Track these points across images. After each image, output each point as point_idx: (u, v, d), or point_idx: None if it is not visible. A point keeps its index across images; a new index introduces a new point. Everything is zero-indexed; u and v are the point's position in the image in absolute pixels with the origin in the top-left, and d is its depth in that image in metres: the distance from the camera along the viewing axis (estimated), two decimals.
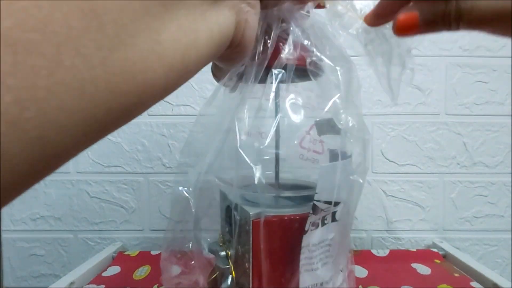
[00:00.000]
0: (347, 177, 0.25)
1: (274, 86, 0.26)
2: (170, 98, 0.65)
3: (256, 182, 0.24)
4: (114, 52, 0.12)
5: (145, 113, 0.65)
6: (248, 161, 0.23)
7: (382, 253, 0.58)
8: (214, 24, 0.18)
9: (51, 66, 0.10)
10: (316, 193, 0.24)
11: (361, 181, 0.26)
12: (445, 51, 0.64)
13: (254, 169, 0.23)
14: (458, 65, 0.65)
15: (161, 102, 0.65)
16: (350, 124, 0.25)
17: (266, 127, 0.26)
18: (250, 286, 0.27)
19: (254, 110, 0.26)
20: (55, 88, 0.11)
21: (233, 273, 0.29)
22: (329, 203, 0.25)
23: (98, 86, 0.12)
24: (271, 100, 0.26)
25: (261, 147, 0.24)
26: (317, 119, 0.26)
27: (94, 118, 0.12)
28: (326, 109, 0.24)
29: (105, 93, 0.12)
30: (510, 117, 0.64)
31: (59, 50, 0.11)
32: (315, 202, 0.24)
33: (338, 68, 0.25)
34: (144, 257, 0.57)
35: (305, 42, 0.25)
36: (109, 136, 0.65)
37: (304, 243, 0.25)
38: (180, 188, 0.28)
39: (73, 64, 0.11)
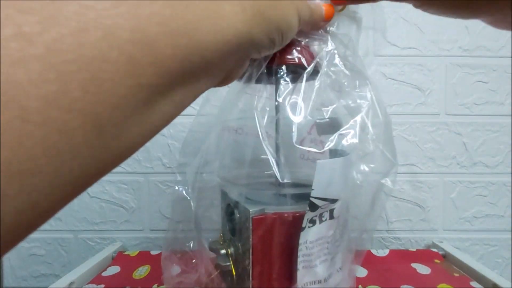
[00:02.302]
0: (346, 174, 0.25)
1: (277, 85, 0.26)
2: None
3: (279, 178, 0.24)
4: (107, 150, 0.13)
5: None
6: (272, 153, 0.23)
7: (382, 253, 0.58)
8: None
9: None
10: (313, 189, 0.24)
11: (387, 183, 0.27)
12: (445, 51, 0.64)
13: (273, 163, 0.23)
14: (458, 65, 0.65)
15: None
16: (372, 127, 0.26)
17: (270, 127, 0.26)
18: (250, 284, 0.27)
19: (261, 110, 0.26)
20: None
21: (233, 271, 0.29)
22: (325, 200, 0.25)
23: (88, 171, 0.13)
24: (273, 100, 0.27)
25: (277, 142, 0.24)
26: (318, 119, 0.26)
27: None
28: (358, 119, 0.25)
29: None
30: (510, 117, 0.64)
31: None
32: (311, 199, 0.24)
33: (368, 81, 0.26)
34: (144, 257, 0.57)
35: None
36: None
37: (301, 240, 0.25)
38: (180, 189, 0.28)
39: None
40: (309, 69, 0.26)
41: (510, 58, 0.63)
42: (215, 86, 0.20)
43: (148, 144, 0.65)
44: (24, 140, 0.10)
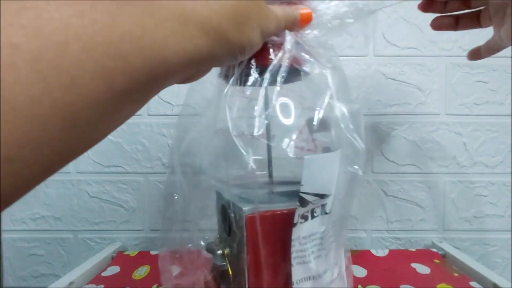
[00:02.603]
0: (335, 169, 0.25)
1: (264, 87, 0.26)
2: (170, 98, 0.65)
3: (249, 169, 0.24)
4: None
5: (145, 113, 0.65)
6: (240, 147, 0.24)
7: (381, 253, 0.58)
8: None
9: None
10: (302, 185, 0.24)
11: (360, 173, 0.27)
12: (445, 51, 0.64)
13: (245, 155, 0.24)
14: (458, 65, 0.65)
15: (161, 102, 0.65)
16: (341, 114, 0.25)
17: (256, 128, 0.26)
18: (247, 283, 0.27)
19: (244, 111, 0.26)
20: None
21: (230, 270, 0.29)
22: (315, 195, 0.25)
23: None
24: (261, 101, 0.26)
25: (254, 134, 0.24)
26: (308, 118, 0.26)
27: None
28: (323, 106, 0.25)
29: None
30: (510, 117, 0.64)
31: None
32: (301, 194, 0.25)
33: (326, 71, 0.26)
34: (144, 257, 0.57)
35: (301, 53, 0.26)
36: (109, 136, 0.65)
37: (294, 236, 0.26)
38: (176, 189, 0.28)
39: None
40: (297, 68, 0.26)
41: (510, 58, 0.63)
42: (176, 83, 0.22)
43: (148, 144, 0.65)
44: (13, 132, 0.12)
